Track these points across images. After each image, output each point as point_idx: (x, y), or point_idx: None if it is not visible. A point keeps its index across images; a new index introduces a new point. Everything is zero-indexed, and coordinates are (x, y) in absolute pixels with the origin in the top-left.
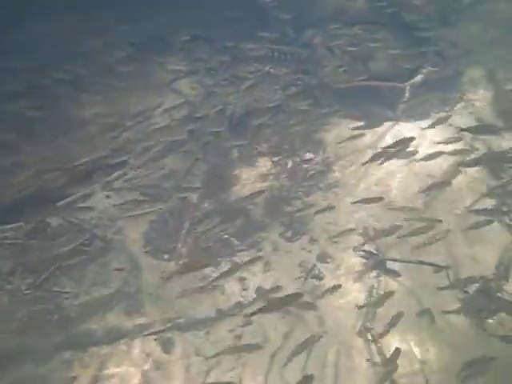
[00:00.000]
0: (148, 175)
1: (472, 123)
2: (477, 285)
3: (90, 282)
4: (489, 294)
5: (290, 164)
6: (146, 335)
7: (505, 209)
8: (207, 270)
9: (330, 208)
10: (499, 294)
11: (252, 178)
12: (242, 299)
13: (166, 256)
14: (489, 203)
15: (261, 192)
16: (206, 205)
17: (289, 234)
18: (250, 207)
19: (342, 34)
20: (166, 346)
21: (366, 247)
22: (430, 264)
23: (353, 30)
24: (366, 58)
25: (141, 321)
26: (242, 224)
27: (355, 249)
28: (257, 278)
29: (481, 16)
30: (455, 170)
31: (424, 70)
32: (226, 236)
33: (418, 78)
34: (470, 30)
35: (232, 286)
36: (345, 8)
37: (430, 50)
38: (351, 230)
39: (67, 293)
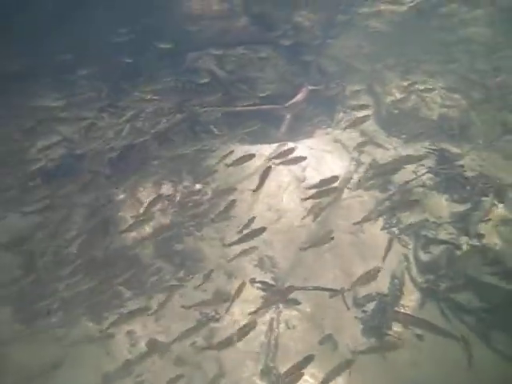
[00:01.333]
0: (18, 225)
1: (357, 137)
2: (374, 302)
3: None
4: (386, 310)
5: (178, 197)
6: None
7: (393, 221)
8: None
9: (222, 241)
10: (396, 308)
11: (139, 217)
12: (130, 356)
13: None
14: (378, 217)
15: (149, 233)
16: (87, 254)
17: (181, 274)
18: (138, 250)
19: (227, 56)
20: None
21: (263, 278)
22: (326, 289)
23: (237, 51)
24: (252, 79)
25: None
26: (130, 270)
27: (252, 281)
28: (147, 329)
29: (357, 32)
30: (345, 187)
31: (306, 88)
32: (113, 285)
33: (301, 95)
34: (348, 45)
35: (119, 343)
36: (228, 29)
37: (313, 66)
38: (247, 262)
39: None
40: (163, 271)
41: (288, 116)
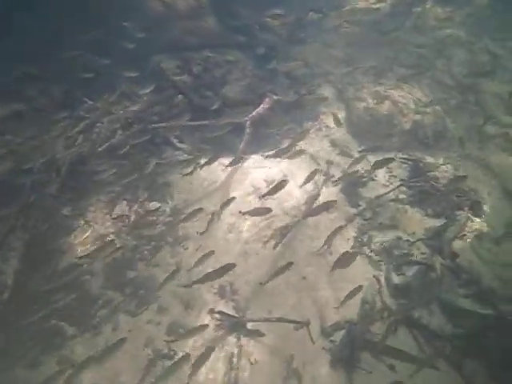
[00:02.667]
0: None
1: (328, 148)
2: (343, 331)
3: None
4: (355, 339)
5: (132, 218)
6: None
7: (365, 239)
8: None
9: (180, 267)
10: (365, 337)
11: (88, 241)
12: None
13: None
14: (349, 235)
15: (99, 260)
16: (26, 284)
17: (133, 305)
18: (86, 278)
19: (192, 59)
20: None
21: (223, 308)
22: (290, 321)
23: (203, 53)
24: (217, 84)
25: None
26: (75, 302)
27: (211, 312)
28: (91, 374)
29: (328, 33)
30: (312, 204)
31: (270, 98)
32: (55, 321)
33: (265, 105)
34: (319, 47)
35: None
36: (194, 30)
37: (281, 71)
38: (206, 291)
39: None
40: (113, 303)
41: (248, 130)
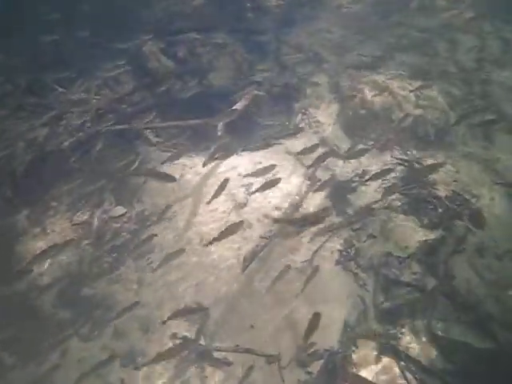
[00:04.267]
0: None
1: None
2: (322, 361)
3: None
4: (335, 371)
5: (95, 224)
6: None
7: (352, 252)
8: None
9: (141, 282)
10: (348, 368)
11: (41, 252)
12: None
13: None
14: (334, 247)
15: (53, 274)
16: None
17: (86, 329)
18: (35, 296)
19: (177, 42)
20: None
21: (187, 333)
22: (259, 354)
23: (189, 36)
24: (203, 69)
25: None
26: (21, 327)
27: (173, 337)
28: None
29: (326, 14)
30: (293, 213)
31: (250, 93)
32: None
33: (244, 101)
34: (316, 31)
35: None
36: (180, 9)
37: (271, 55)
38: (169, 311)
39: None
40: (64, 325)
41: (219, 133)
